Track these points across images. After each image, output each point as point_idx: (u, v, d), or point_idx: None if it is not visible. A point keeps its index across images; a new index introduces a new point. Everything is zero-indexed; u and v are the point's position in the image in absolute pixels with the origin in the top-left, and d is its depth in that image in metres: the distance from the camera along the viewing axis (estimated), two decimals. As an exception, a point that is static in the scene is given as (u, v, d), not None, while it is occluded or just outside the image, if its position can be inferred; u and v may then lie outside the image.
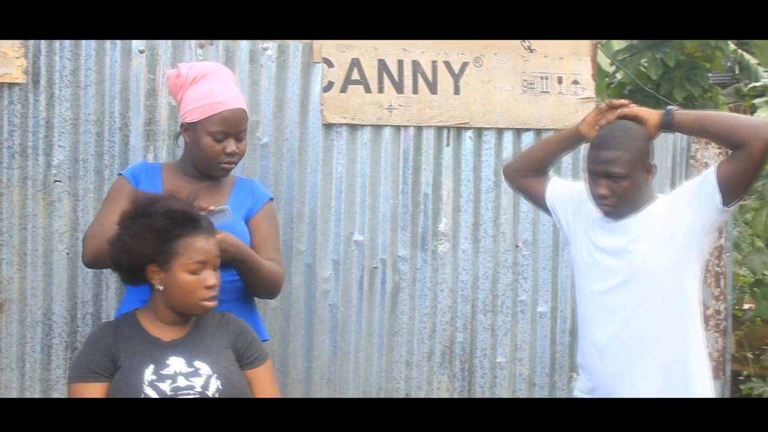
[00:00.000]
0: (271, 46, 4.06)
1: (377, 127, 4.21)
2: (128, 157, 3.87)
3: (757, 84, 7.75)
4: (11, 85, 3.78)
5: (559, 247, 4.40)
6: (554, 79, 4.38)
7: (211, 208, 3.02)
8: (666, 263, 3.03)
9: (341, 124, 4.16)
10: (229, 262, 3.10)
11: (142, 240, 2.85)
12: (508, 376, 4.42)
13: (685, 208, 3.03)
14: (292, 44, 4.08)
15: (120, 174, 3.38)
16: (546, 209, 3.44)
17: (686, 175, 4.79)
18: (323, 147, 4.15)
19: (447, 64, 4.27)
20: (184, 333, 2.94)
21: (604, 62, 8.39)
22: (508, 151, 4.34)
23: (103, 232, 3.02)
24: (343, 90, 4.14)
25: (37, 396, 3.82)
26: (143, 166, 3.40)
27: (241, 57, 4.03)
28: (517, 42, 4.32)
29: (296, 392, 4.14)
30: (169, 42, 3.91)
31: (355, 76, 4.16)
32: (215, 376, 2.86)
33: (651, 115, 3.10)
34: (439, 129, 4.29)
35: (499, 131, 4.36)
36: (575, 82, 4.40)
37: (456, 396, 4.36)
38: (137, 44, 3.90)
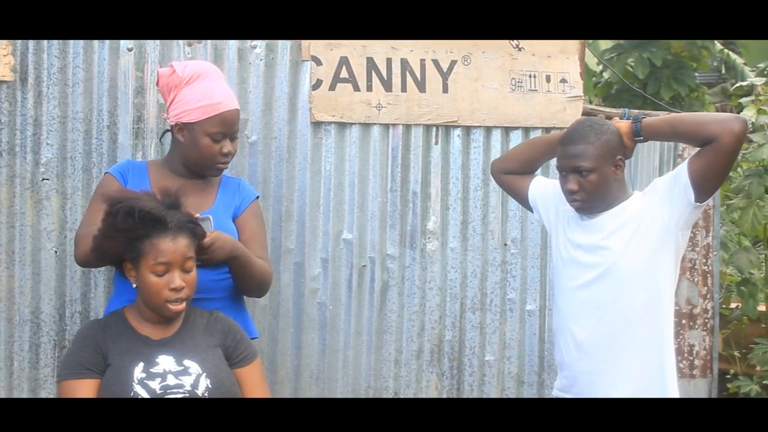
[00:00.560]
0: (259, 44, 4.05)
1: (366, 126, 4.21)
2: (116, 155, 3.86)
3: (744, 83, 7.78)
4: (-1, 82, 3.77)
5: (548, 246, 4.39)
6: (542, 77, 4.39)
7: (196, 216, 3.01)
8: (640, 259, 3.05)
9: (330, 123, 4.16)
10: (224, 260, 3.11)
11: (111, 239, 2.86)
12: (497, 375, 4.43)
13: (659, 204, 3.05)
14: (281, 42, 4.08)
15: (107, 172, 3.37)
16: (530, 207, 3.47)
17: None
18: (312, 145, 4.15)
19: (435, 62, 4.27)
20: (173, 332, 2.94)
21: (591, 62, 8.42)
22: (497, 150, 4.35)
23: (94, 232, 3.01)
24: (332, 88, 4.14)
25: (25, 395, 3.81)
26: (129, 164, 3.39)
27: (229, 55, 4.02)
28: (506, 40, 4.33)
29: (285, 391, 4.14)
30: (158, 40, 3.90)
31: (344, 74, 4.16)
32: (205, 374, 2.86)
33: (620, 125, 3.13)
34: (428, 127, 4.30)
35: (488, 129, 4.37)
36: (563, 81, 4.41)
37: (445, 394, 4.37)
38: (125, 42, 3.88)
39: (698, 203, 2.99)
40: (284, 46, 4.09)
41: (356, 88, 4.18)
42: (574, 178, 3.08)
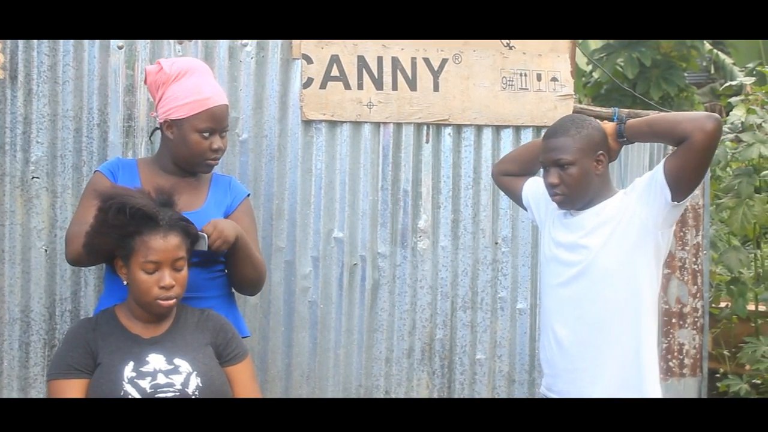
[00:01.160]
0: (250, 42, 4.05)
1: (357, 124, 4.21)
2: (107, 153, 3.85)
3: (733, 83, 7.80)
4: (-12, 81, 3.76)
5: (538, 244, 4.39)
6: (533, 76, 4.40)
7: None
8: (618, 258, 3.06)
9: (321, 121, 4.16)
10: (218, 253, 3.11)
11: (102, 235, 2.86)
12: (488, 373, 4.43)
13: (636, 204, 3.06)
14: (272, 40, 4.07)
15: (97, 170, 3.36)
16: (525, 207, 3.49)
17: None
18: (302, 143, 4.15)
19: (426, 60, 4.27)
20: (163, 330, 2.93)
21: (581, 61, 8.45)
22: (487, 148, 4.36)
23: (84, 231, 3.00)
24: (323, 86, 4.14)
25: (15, 394, 3.79)
26: (119, 162, 3.37)
27: (220, 53, 4.01)
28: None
29: (276, 389, 4.13)
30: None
31: (335, 72, 4.16)
32: (195, 373, 2.85)
33: (606, 127, 3.15)
34: (419, 126, 4.30)
35: (479, 128, 4.37)
36: (554, 79, 4.42)
37: (436, 392, 4.37)
38: (116, 40, 3.87)
39: (675, 202, 3.00)
40: (275, 44, 4.09)
41: (347, 87, 4.18)
42: (555, 172, 3.10)
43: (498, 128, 4.39)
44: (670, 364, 4.84)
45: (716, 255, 6.10)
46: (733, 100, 6.25)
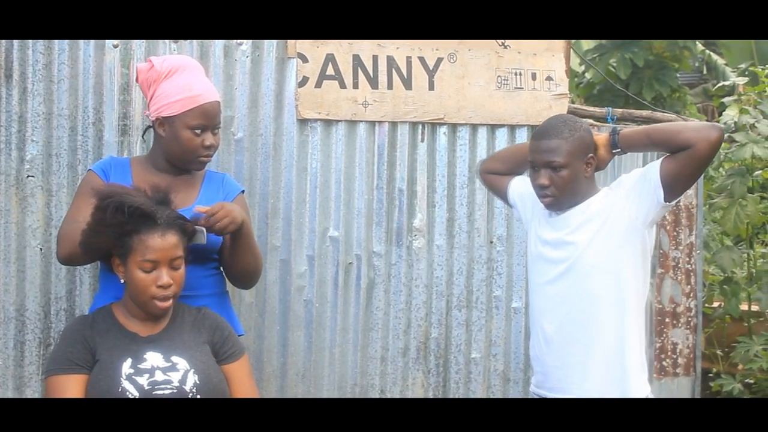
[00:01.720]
0: (245, 41, 4.04)
1: (352, 123, 4.21)
2: (102, 152, 3.85)
3: (726, 83, 7.82)
4: (-17, 79, 3.75)
5: (530, 243, 4.42)
6: (528, 75, 4.41)
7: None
8: (604, 254, 3.07)
9: (316, 120, 4.16)
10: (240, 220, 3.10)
11: (99, 234, 2.85)
12: (483, 372, 4.44)
13: (626, 201, 3.07)
14: (267, 40, 4.07)
15: (90, 169, 3.35)
16: (512, 205, 3.51)
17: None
18: (298, 142, 4.15)
19: (421, 59, 4.28)
20: (161, 328, 2.94)
21: (574, 62, 8.44)
22: (482, 147, 4.36)
23: (77, 230, 2.99)
24: (318, 85, 4.14)
25: (10, 393, 3.78)
26: (112, 161, 3.36)
27: (215, 52, 4.01)
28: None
29: (271, 388, 4.13)
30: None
31: (330, 71, 4.16)
32: (192, 371, 2.86)
33: (598, 138, 3.16)
34: (414, 125, 4.30)
35: (474, 127, 4.37)
36: (549, 79, 4.43)
37: (431, 391, 4.37)
38: (111, 39, 3.87)
39: (667, 203, 3.03)
40: (270, 43, 4.09)
41: (342, 86, 4.18)
42: (546, 173, 3.10)
43: (493, 127, 4.40)
44: (664, 363, 4.85)
45: (709, 255, 6.12)
46: (726, 100, 6.28)
